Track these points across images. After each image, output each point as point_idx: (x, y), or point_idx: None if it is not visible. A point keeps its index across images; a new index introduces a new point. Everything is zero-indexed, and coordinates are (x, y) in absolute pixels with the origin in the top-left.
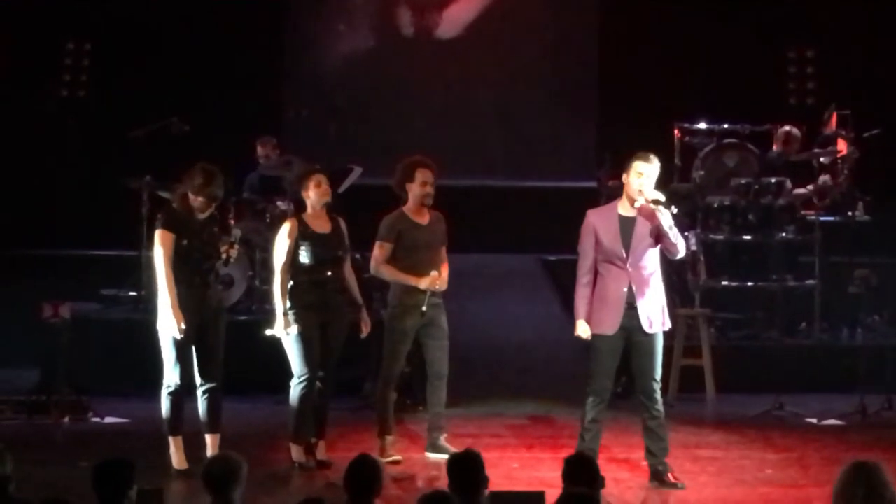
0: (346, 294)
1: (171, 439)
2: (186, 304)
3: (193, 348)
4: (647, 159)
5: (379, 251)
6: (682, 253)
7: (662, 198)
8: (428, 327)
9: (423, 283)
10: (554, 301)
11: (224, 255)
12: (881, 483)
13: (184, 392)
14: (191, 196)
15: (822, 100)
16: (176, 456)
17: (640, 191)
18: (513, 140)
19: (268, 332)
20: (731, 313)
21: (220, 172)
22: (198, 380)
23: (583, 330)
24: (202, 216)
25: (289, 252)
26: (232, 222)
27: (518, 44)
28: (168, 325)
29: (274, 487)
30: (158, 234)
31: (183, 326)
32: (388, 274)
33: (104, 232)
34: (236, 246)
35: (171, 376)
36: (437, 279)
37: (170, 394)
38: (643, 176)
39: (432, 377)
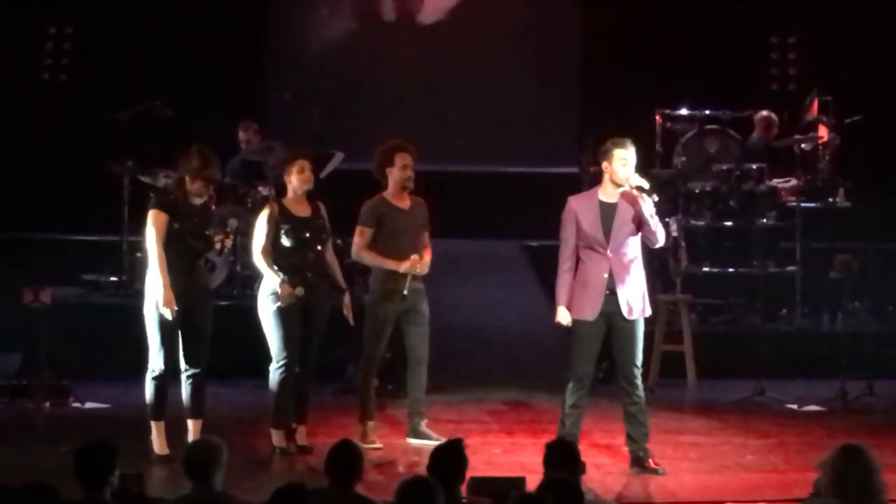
0: (326, 278)
1: (153, 424)
2: (174, 288)
3: (179, 333)
4: (624, 145)
5: (359, 237)
6: (661, 242)
7: (647, 185)
8: (409, 313)
9: (404, 267)
10: (535, 286)
11: (219, 245)
12: (873, 469)
13: (168, 377)
14: (188, 180)
15: (804, 86)
16: (157, 441)
17: (628, 178)
18: (495, 125)
19: (279, 304)
20: (713, 299)
21: (216, 154)
22: (182, 364)
23: (563, 316)
24: (198, 201)
25: (268, 236)
26: (214, 208)
27: (500, 28)
28: (160, 307)
29: (255, 472)
30: (151, 215)
31: (175, 308)
32: (369, 259)
33: (85, 216)
34: (231, 236)
35: (155, 361)
36: (417, 262)
37: (154, 378)
38: (627, 162)
39: (413, 362)
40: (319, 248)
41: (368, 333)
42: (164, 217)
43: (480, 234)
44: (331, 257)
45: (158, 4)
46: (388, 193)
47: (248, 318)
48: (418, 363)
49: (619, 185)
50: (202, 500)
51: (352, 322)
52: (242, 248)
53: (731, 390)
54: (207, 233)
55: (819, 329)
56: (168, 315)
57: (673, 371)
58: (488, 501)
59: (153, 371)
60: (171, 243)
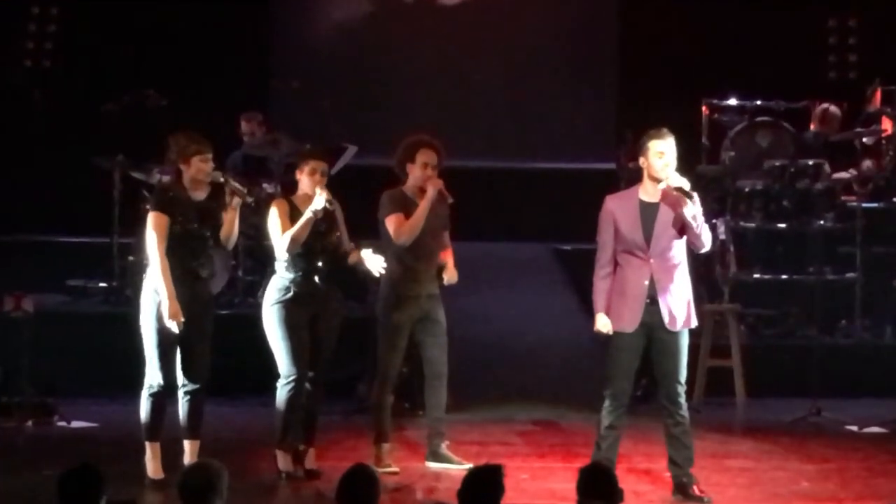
0: (337, 286)
1: (147, 445)
2: (177, 296)
3: (178, 346)
4: (661, 136)
5: (396, 222)
6: (707, 246)
7: (688, 185)
8: (424, 322)
9: (431, 188)
10: (568, 295)
11: (237, 198)
12: None
13: (167, 394)
14: (184, 169)
15: (865, 74)
16: (152, 463)
17: (667, 175)
18: (524, 117)
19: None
20: (764, 309)
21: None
22: (181, 380)
23: (603, 324)
24: (200, 197)
25: (285, 228)
26: (226, 178)
27: (530, 11)
28: (165, 320)
29: (258, 499)
30: (152, 217)
31: (182, 320)
32: (415, 221)
33: (72, 216)
34: (231, 182)
35: (154, 376)
36: (441, 183)
37: (151, 395)
38: (664, 155)
39: (431, 378)
40: (328, 252)
41: (382, 345)
42: (164, 219)
43: (508, 237)
44: (353, 255)
45: None
46: (408, 188)
47: (251, 328)
48: (437, 378)
49: (658, 181)
50: None
51: (378, 272)
52: (247, 253)
53: (784, 410)
54: (213, 232)
55: (881, 342)
56: (175, 328)
57: (720, 388)
58: None
59: (151, 387)
60: (171, 248)
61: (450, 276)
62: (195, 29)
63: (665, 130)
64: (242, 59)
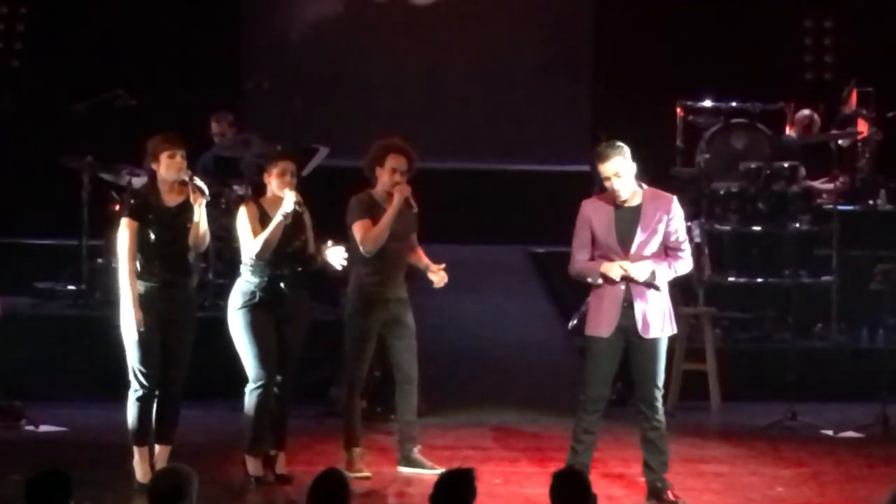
0: (305, 290)
1: (136, 449)
2: (155, 302)
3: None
4: (602, 157)
5: (363, 229)
6: (686, 271)
7: (643, 277)
8: (393, 325)
9: (398, 195)
10: (542, 298)
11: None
12: None
13: (153, 397)
14: (157, 168)
15: (841, 75)
16: (140, 467)
17: (619, 196)
18: (497, 118)
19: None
20: (739, 312)
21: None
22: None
23: (618, 266)
24: (174, 202)
25: (255, 232)
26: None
27: (504, 10)
28: (126, 324)
29: None
30: (122, 223)
31: (142, 325)
32: (380, 230)
33: (40, 218)
34: (196, 180)
35: (138, 380)
36: (408, 190)
37: (138, 399)
38: (610, 181)
39: (401, 382)
40: (295, 256)
41: (350, 349)
42: (134, 225)
43: (481, 239)
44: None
45: None
46: (377, 192)
47: (221, 331)
48: (408, 382)
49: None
50: None
51: (340, 264)
52: (217, 255)
53: (759, 414)
54: (182, 239)
55: (857, 346)
56: (135, 332)
57: (695, 392)
58: None
59: (136, 391)
60: (147, 253)
61: (439, 277)
62: (166, 28)
63: (614, 150)
64: (213, 58)
